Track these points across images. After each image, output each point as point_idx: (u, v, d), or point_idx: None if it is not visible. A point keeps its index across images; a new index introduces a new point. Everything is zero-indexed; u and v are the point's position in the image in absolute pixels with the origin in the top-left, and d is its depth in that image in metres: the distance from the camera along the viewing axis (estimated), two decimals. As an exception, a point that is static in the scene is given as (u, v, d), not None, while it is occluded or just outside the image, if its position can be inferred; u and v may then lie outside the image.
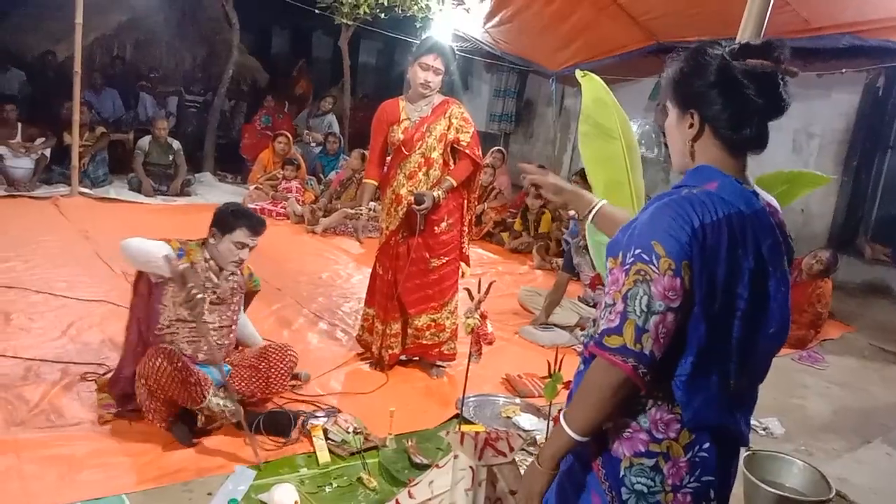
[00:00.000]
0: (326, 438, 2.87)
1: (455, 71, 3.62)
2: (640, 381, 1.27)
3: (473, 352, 2.83)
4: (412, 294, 3.63)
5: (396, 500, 2.23)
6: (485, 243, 7.33)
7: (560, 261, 5.53)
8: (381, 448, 2.89)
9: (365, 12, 8.00)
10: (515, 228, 7.32)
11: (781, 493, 2.64)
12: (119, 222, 6.25)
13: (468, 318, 2.76)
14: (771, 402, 3.85)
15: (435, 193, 3.48)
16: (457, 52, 3.65)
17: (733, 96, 1.32)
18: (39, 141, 7.15)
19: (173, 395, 2.66)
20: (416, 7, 7.89)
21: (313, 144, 9.22)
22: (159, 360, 2.64)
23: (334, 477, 2.69)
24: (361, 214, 4.09)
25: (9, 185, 6.75)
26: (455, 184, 3.54)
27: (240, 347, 3.22)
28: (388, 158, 3.72)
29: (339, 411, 3.11)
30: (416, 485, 2.17)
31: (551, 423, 2.75)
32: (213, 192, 8.04)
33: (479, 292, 2.75)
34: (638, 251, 1.27)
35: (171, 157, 7.69)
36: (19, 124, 7.09)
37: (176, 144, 7.79)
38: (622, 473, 1.36)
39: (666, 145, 1.53)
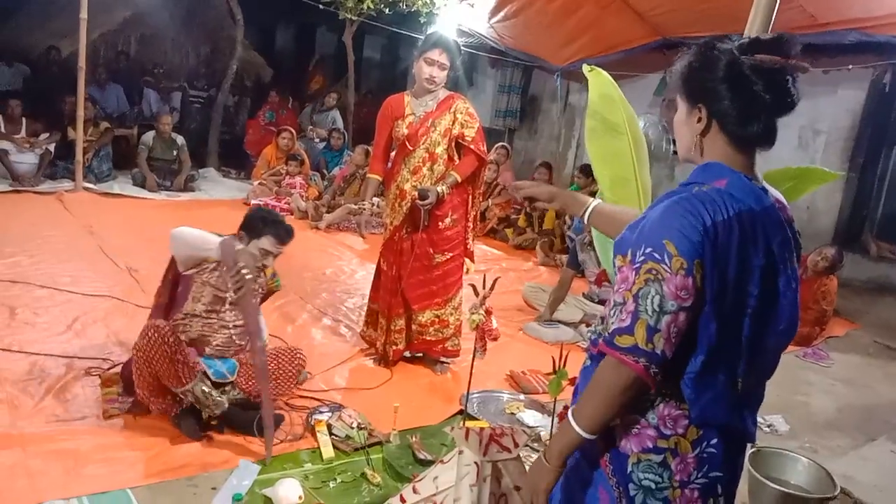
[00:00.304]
0: (330, 434, 2.87)
1: (460, 66, 3.60)
2: (650, 381, 1.26)
3: (478, 348, 2.84)
4: (416, 290, 3.62)
5: (401, 496, 2.23)
6: (489, 239, 7.33)
7: (564, 257, 5.53)
8: (385, 444, 2.90)
9: (369, 7, 7.99)
10: (520, 225, 7.33)
11: (786, 490, 2.64)
12: (123, 217, 6.27)
13: (473, 314, 2.76)
14: (775, 400, 3.84)
15: (439, 189, 3.47)
16: (461, 48, 3.63)
17: (741, 92, 1.31)
18: (44, 136, 7.18)
19: (158, 369, 2.67)
20: (420, 2, 7.88)
21: (317, 140, 9.22)
22: (151, 331, 2.68)
23: (338, 472, 2.69)
24: (364, 210, 4.07)
25: (13, 181, 6.77)
26: (459, 179, 3.52)
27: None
28: (393, 154, 3.72)
29: (344, 407, 3.11)
30: (420, 480, 2.16)
31: (556, 419, 2.75)
32: (217, 188, 8.07)
33: (483, 288, 2.75)
34: (649, 249, 1.26)
35: (174, 153, 7.70)
36: (24, 119, 7.13)
37: (180, 140, 7.79)
38: (630, 469, 1.36)
39: (672, 141, 1.52)
